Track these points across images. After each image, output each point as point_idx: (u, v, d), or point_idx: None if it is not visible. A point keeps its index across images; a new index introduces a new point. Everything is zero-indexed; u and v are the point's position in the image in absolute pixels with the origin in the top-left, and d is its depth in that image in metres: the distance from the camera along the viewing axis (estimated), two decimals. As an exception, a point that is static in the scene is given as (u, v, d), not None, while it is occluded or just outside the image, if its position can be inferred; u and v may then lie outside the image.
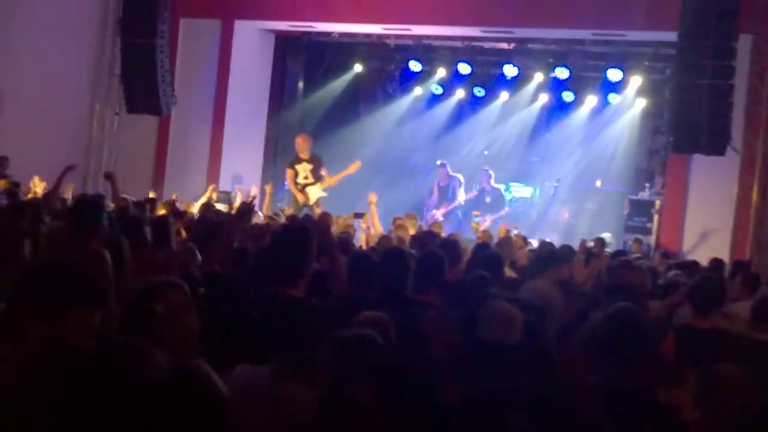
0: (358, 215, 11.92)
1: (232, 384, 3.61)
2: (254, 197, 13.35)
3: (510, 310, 4.30)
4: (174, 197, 13.58)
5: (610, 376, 3.87)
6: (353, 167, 14.66)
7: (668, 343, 5.05)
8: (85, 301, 3.10)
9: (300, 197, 14.49)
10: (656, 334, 4.57)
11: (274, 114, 18.68)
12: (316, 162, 14.74)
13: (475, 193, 17.32)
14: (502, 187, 17.95)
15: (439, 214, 16.70)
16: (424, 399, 3.21)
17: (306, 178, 14.63)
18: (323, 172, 14.70)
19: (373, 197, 11.64)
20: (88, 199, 6.97)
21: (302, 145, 14.92)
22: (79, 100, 17.01)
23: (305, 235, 4.60)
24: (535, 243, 12.44)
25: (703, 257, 10.99)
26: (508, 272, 8.26)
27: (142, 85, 15.53)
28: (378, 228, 11.08)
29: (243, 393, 3.54)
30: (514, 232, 13.13)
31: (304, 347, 3.55)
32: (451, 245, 7.81)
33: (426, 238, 9.37)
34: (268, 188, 14.16)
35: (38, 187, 11.39)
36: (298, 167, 14.75)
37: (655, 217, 14.89)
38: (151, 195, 13.47)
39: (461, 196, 17.10)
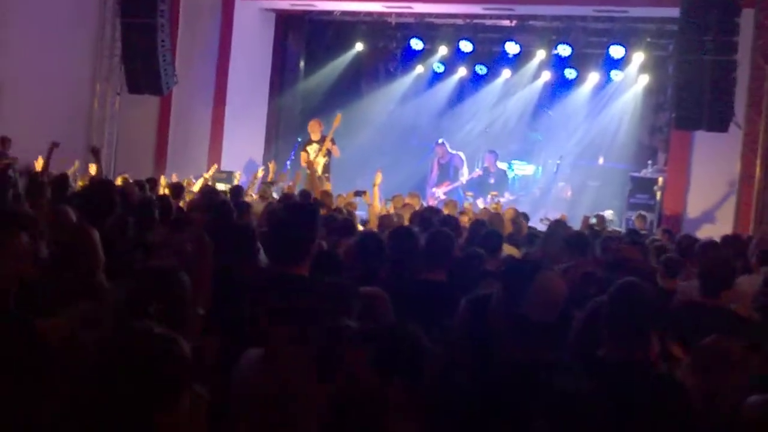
0: (359, 193, 11.92)
1: (243, 368, 3.62)
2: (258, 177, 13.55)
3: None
4: (186, 183, 13.54)
5: (614, 350, 3.87)
6: (336, 121, 15.18)
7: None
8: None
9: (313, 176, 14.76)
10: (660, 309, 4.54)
11: (276, 93, 18.66)
12: (323, 142, 15.22)
13: (479, 172, 17.29)
14: (506, 167, 17.96)
15: (440, 191, 16.69)
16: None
17: (316, 157, 15.03)
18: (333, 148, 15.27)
19: (378, 177, 11.61)
20: (100, 185, 7.02)
21: (314, 127, 15.50)
22: (80, 81, 16.96)
23: (309, 213, 4.57)
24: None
25: (706, 233, 10.99)
26: (510, 249, 8.26)
27: (143, 65, 15.46)
28: (376, 207, 11.05)
29: (252, 376, 3.54)
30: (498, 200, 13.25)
31: (311, 327, 3.54)
32: (451, 222, 7.84)
33: (427, 215, 9.35)
34: (271, 166, 14.22)
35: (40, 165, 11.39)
36: (309, 149, 15.25)
37: (658, 194, 14.86)
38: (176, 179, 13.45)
39: (464, 175, 17.09)
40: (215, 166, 15.13)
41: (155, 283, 3.51)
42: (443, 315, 4.24)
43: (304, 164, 14.94)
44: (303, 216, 4.48)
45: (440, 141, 17.50)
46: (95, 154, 10.55)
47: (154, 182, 11.98)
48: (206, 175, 13.74)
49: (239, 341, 3.84)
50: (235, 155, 17.38)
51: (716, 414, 3.69)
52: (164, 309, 3.28)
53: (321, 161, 15.02)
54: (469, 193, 15.90)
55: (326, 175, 15.02)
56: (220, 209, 6.91)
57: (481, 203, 14.92)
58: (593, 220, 10.39)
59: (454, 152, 17.37)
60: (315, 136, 15.41)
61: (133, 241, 5.92)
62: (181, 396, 2.46)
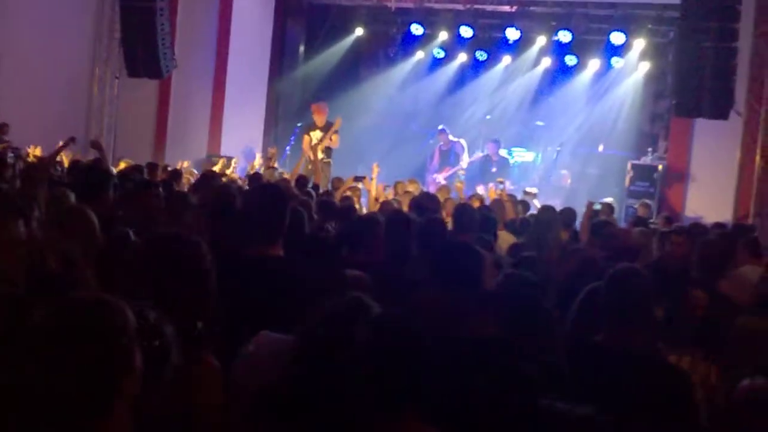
0: (358, 179, 11.93)
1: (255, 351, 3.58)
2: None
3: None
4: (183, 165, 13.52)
5: (612, 337, 3.86)
6: (336, 125, 14.95)
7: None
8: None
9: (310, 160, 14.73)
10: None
11: (275, 78, 18.62)
12: (327, 129, 15.05)
13: (480, 154, 17.29)
14: (507, 155, 17.95)
15: (441, 177, 16.68)
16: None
17: (319, 145, 14.91)
18: (333, 132, 15.01)
19: (375, 168, 11.71)
20: (96, 167, 7.06)
21: (320, 111, 15.31)
22: (79, 64, 16.92)
23: (280, 193, 4.61)
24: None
25: (706, 221, 10.97)
26: (506, 235, 8.26)
27: (143, 49, 15.40)
28: (373, 194, 11.11)
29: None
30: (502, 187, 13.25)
31: (292, 309, 3.54)
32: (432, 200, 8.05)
33: (425, 201, 9.34)
34: (272, 152, 14.24)
35: (36, 151, 11.36)
36: (312, 134, 15.08)
37: (658, 182, 14.85)
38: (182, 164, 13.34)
39: (465, 160, 17.08)
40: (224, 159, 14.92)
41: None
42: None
43: (306, 148, 14.94)
44: (271, 197, 4.49)
45: (441, 128, 17.46)
46: (97, 147, 10.43)
47: (154, 167, 11.95)
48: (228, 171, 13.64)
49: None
50: (235, 140, 17.35)
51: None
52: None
53: (319, 156, 14.81)
54: (500, 179, 15.79)
55: (328, 160, 14.98)
56: (221, 192, 6.89)
57: (481, 190, 14.89)
58: (597, 207, 10.31)
59: (455, 139, 17.34)
60: (320, 121, 15.18)
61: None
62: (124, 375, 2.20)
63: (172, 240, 3.25)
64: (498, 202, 10.48)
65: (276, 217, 4.36)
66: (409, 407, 2.71)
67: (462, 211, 6.95)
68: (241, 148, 17.23)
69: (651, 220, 11.57)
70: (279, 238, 4.35)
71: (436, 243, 5.39)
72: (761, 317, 4.35)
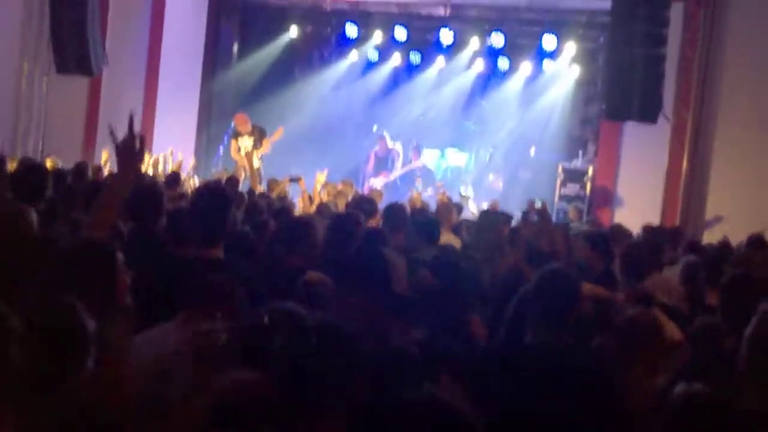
0: (294, 179, 11.92)
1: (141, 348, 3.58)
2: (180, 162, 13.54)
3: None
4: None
5: (539, 336, 3.92)
6: (277, 134, 15.13)
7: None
8: None
9: (243, 166, 14.82)
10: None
11: (209, 77, 18.45)
12: (256, 134, 15.20)
13: (409, 167, 17.43)
14: (432, 156, 18.10)
15: (378, 183, 16.75)
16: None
17: (247, 149, 15.10)
18: (264, 142, 15.09)
19: (323, 176, 11.77)
20: (32, 164, 7.05)
21: (241, 120, 15.46)
22: (6, 60, 16.57)
23: (225, 196, 4.60)
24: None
25: (634, 224, 11.14)
26: (452, 239, 8.30)
27: (73, 45, 15.13)
28: (317, 198, 11.13)
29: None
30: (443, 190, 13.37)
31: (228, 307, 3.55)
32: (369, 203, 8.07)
33: (365, 205, 9.38)
34: (192, 162, 14.45)
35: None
36: (240, 140, 15.23)
37: (588, 185, 15.06)
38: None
39: (398, 169, 17.22)
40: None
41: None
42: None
43: (234, 154, 15.06)
44: (212, 198, 4.49)
45: (382, 134, 17.54)
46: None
47: (84, 167, 11.76)
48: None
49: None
50: (167, 140, 17.13)
51: (639, 398, 3.76)
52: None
53: (255, 163, 15.09)
54: (440, 183, 16.01)
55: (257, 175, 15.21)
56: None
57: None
58: (538, 204, 10.36)
59: (392, 146, 17.47)
60: (244, 129, 15.33)
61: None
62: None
63: (89, 247, 3.55)
64: (445, 206, 10.50)
65: (217, 218, 4.36)
66: (331, 413, 2.69)
67: (392, 210, 7.00)
68: (173, 148, 17.04)
69: (574, 224, 11.71)
70: (220, 241, 4.35)
71: (347, 246, 5.45)
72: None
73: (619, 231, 9.17)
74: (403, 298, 4.26)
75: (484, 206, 12.94)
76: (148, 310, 3.93)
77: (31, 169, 6.70)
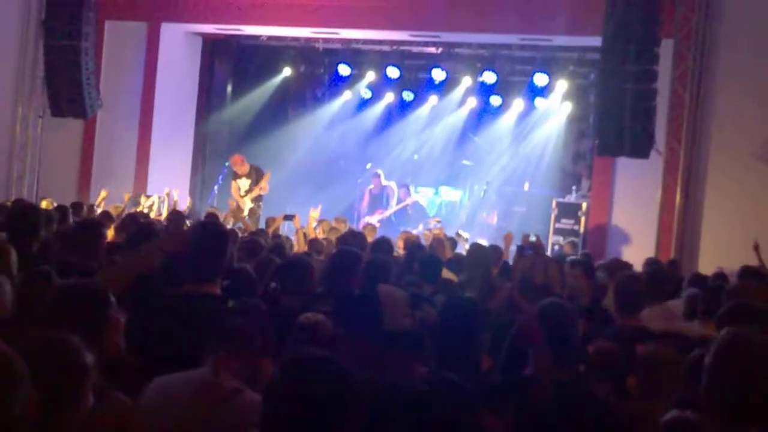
0: (288, 217, 11.96)
1: (152, 397, 3.58)
2: (176, 201, 13.68)
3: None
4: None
5: (539, 369, 3.93)
6: (264, 180, 15.43)
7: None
8: None
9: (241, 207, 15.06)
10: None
11: (203, 118, 18.52)
12: (253, 176, 15.52)
13: (402, 204, 17.46)
14: (426, 194, 18.16)
15: (374, 220, 16.78)
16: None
17: (246, 191, 15.47)
18: (263, 184, 15.37)
19: (317, 212, 11.85)
20: (25, 206, 7.15)
21: (237, 161, 15.76)
22: (1, 103, 16.65)
23: (224, 234, 4.63)
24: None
25: (628, 258, 11.17)
26: (447, 273, 8.32)
27: (67, 88, 15.20)
28: (311, 234, 11.20)
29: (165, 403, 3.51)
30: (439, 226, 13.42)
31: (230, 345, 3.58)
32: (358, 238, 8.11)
33: (354, 240, 9.39)
34: (188, 202, 14.64)
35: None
36: (239, 182, 15.58)
37: (582, 219, 15.11)
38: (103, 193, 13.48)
39: (392, 206, 17.26)
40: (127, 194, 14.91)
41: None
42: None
43: (235, 195, 15.35)
44: (213, 236, 4.52)
45: (376, 172, 17.60)
46: None
47: (79, 206, 11.80)
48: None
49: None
50: (161, 180, 17.16)
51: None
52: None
53: (248, 205, 15.35)
54: (437, 219, 16.11)
55: (259, 203, 15.46)
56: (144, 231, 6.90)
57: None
58: (533, 238, 10.40)
59: (387, 183, 17.52)
60: (241, 170, 15.60)
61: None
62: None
63: (82, 290, 3.67)
64: (439, 241, 10.56)
65: (216, 255, 4.38)
66: None
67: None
68: (167, 187, 17.08)
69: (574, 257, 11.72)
70: (217, 277, 4.37)
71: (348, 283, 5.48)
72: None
73: (617, 264, 9.19)
74: (405, 333, 4.27)
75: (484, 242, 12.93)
76: (146, 349, 3.96)
77: (25, 209, 6.75)
